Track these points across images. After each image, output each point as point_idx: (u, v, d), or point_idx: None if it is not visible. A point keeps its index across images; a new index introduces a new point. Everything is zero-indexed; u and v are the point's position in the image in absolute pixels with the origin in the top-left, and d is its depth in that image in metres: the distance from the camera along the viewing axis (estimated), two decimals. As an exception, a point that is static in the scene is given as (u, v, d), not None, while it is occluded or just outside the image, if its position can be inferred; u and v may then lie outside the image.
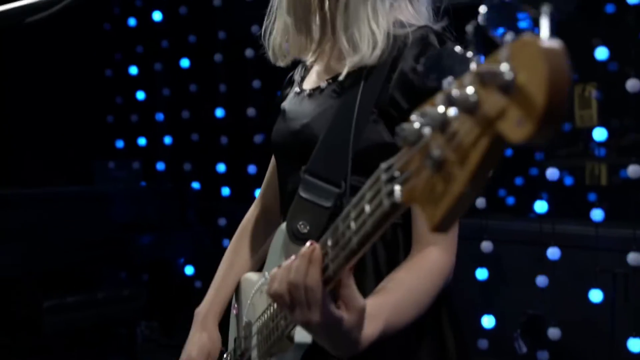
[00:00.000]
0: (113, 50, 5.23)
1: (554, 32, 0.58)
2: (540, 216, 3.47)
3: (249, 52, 4.25)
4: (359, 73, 1.29)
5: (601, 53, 3.20)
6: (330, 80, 1.35)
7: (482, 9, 0.63)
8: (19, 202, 4.13)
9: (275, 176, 1.56)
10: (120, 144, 5.30)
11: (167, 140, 4.98)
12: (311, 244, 1.00)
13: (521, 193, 4.42)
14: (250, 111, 4.33)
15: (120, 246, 4.39)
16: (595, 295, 3.17)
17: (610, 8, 3.46)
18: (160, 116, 5.04)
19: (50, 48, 4.79)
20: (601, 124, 3.46)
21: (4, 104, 4.93)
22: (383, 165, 0.82)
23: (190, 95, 4.81)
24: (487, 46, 0.64)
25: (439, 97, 0.68)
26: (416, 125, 0.70)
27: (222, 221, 4.47)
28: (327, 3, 1.38)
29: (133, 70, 5.13)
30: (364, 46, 1.27)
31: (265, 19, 1.43)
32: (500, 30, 0.62)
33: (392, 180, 0.78)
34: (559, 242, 3.28)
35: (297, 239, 1.27)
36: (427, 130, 0.69)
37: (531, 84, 0.56)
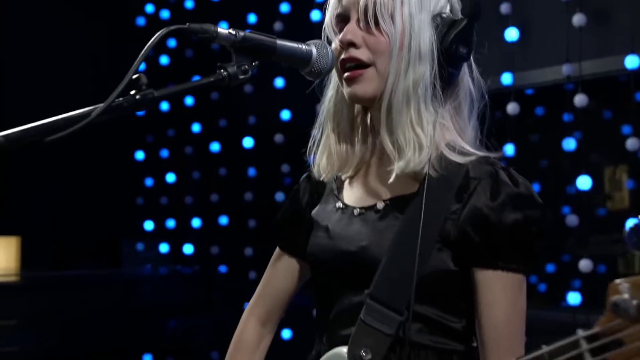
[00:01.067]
0: (145, 133, 5.31)
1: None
2: (574, 308, 3.38)
3: (278, 138, 4.30)
4: (419, 198, 1.29)
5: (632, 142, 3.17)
6: (389, 201, 1.34)
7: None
8: (48, 285, 4.16)
9: (277, 285, 1.56)
10: (149, 225, 5.32)
11: (196, 222, 4.99)
12: None
13: (553, 281, 4.33)
14: (279, 195, 4.34)
15: (147, 330, 4.36)
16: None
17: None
18: (189, 199, 5.07)
19: (83, 130, 4.87)
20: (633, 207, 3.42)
21: (36, 187, 5.00)
22: (582, 334, 0.83)
23: (219, 178, 4.84)
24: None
25: None
26: (632, 297, 0.73)
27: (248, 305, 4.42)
28: (369, 115, 1.41)
29: (164, 153, 5.20)
30: (409, 150, 1.28)
31: (311, 136, 1.45)
32: None
33: (602, 350, 0.79)
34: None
35: None
36: None
37: None
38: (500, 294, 1.24)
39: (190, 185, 5.05)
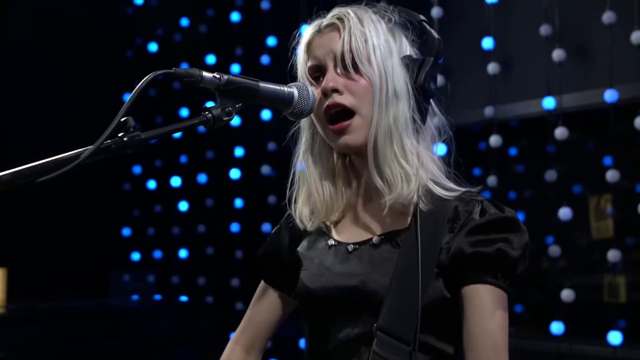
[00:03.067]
0: (132, 164, 5.35)
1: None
2: (558, 337, 3.42)
3: (264, 169, 4.34)
4: (412, 231, 1.36)
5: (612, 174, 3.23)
6: (383, 236, 1.40)
7: None
8: (35, 317, 4.15)
9: (261, 315, 1.60)
10: (136, 256, 5.34)
11: (183, 253, 5.01)
12: None
13: (538, 310, 4.36)
14: (265, 226, 4.37)
15: (133, 361, 4.36)
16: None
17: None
18: (176, 230, 5.10)
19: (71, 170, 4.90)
20: (617, 236, 3.48)
21: (22, 218, 5.01)
22: None
23: (206, 209, 4.88)
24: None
25: None
26: None
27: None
28: (347, 159, 1.48)
29: (151, 184, 5.23)
30: (398, 183, 1.35)
31: (288, 189, 1.50)
32: None
33: None
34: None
35: None
36: None
37: None
38: (490, 306, 1.29)
39: (177, 216, 5.08)
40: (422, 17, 1.47)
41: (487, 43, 3.67)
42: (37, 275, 5.04)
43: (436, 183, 1.40)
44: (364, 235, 1.43)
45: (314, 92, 1.37)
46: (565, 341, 3.34)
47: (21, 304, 4.40)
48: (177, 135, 5.00)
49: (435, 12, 3.70)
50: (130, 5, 5.28)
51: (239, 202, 4.65)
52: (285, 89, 1.30)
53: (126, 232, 5.31)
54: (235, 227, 4.62)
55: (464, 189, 1.40)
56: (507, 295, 1.32)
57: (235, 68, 4.60)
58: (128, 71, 4.90)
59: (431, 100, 1.44)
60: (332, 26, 1.41)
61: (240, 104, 1.19)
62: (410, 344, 1.30)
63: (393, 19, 1.44)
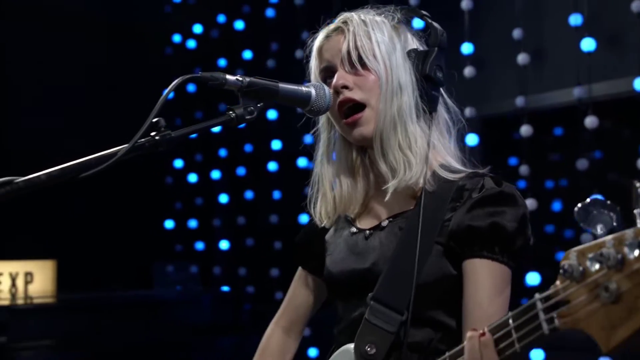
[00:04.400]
0: (174, 159, 5.50)
1: None
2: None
3: (301, 162, 4.44)
4: (416, 212, 1.44)
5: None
6: (391, 218, 1.50)
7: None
8: (83, 307, 4.31)
9: (299, 299, 1.72)
10: (179, 248, 5.49)
11: (224, 245, 5.14)
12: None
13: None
14: (302, 217, 4.47)
15: (177, 349, 4.49)
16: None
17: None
18: (217, 222, 5.23)
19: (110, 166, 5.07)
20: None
21: (71, 213, 5.19)
22: (538, 296, 0.97)
23: (245, 201, 5.00)
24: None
25: (609, 241, 0.84)
26: (578, 263, 0.87)
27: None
28: (366, 152, 1.56)
29: (192, 177, 5.37)
30: (400, 169, 1.44)
31: (309, 190, 1.62)
32: None
33: (553, 308, 0.93)
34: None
35: (364, 359, 1.40)
36: (596, 267, 0.85)
37: None
38: (486, 278, 1.36)
39: (218, 208, 5.21)
40: (423, 12, 1.56)
41: (518, 34, 3.71)
42: (85, 267, 5.23)
43: (444, 167, 1.48)
44: (377, 221, 1.53)
45: (330, 90, 1.46)
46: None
47: (70, 295, 4.58)
48: (217, 130, 5.14)
49: (465, 4, 3.75)
50: (169, 4, 5.41)
51: (277, 194, 4.76)
52: (303, 88, 1.40)
53: (169, 224, 5.46)
54: (273, 219, 4.73)
55: (470, 170, 1.48)
56: (508, 269, 1.38)
57: (271, 63, 4.71)
58: (168, 68, 5.03)
59: (441, 89, 1.52)
60: (337, 30, 1.52)
61: (261, 104, 1.30)
62: (403, 314, 1.39)
63: (396, 18, 1.54)
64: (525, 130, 3.60)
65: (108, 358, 4.15)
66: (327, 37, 1.54)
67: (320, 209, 1.59)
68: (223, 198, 5.16)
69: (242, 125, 4.33)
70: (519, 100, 3.70)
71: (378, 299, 1.42)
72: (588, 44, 3.44)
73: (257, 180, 4.94)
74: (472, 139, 3.74)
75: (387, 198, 1.48)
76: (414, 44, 1.54)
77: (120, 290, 4.94)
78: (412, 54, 1.50)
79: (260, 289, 4.93)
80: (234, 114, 1.26)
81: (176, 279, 5.21)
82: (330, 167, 1.59)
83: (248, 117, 1.27)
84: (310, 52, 1.59)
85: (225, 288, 5.10)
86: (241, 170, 5.00)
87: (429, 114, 1.48)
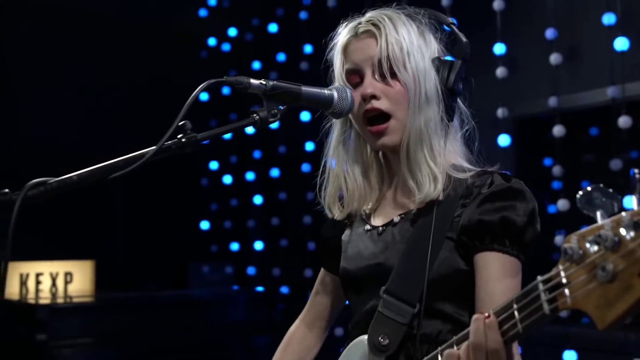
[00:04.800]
0: (208, 160, 5.57)
1: None
2: (626, 325, 3.42)
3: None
4: (428, 208, 1.48)
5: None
6: (403, 215, 1.53)
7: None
8: (121, 306, 4.40)
9: (322, 296, 1.77)
10: (214, 248, 5.56)
11: (258, 245, 5.20)
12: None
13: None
14: (336, 218, 4.50)
15: (212, 348, 4.55)
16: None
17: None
18: (251, 223, 5.29)
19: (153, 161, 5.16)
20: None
21: (109, 214, 5.30)
22: (540, 278, 1.01)
23: (279, 202, 5.05)
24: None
25: (607, 224, 0.89)
26: (578, 246, 0.91)
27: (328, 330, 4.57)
28: (381, 154, 1.60)
29: (227, 179, 5.44)
30: (427, 183, 1.47)
31: (319, 176, 1.65)
32: None
33: (554, 288, 0.97)
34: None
35: (377, 350, 1.44)
36: (595, 249, 0.90)
37: None
38: (497, 271, 1.39)
39: (253, 209, 5.27)
40: (450, 19, 1.58)
41: (551, 33, 3.70)
42: (122, 267, 5.34)
43: (455, 167, 1.51)
44: (390, 217, 1.57)
45: (352, 94, 1.49)
46: (634, 331, 3.34)
47: (108, 294, 4.67)
48: (251, 132, 5.20)
49: (497, 4, 3.75)
50: (204, 7, 5.50)
51: (310, 195, 4.79)
52: (326, 91, 1.44)
53: (204, 225, 5.54)
54: (307, 219, 4.77)
55: (479, 169, 1.52)
56: (518, 262, 1.41)
57: (304, 65, 4.75)
58: (203, 71, 5.11)
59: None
60: (368, 32, 1.53)
61: (284, 106, 1.34)
62: (415, 306, 1.42)
63: (423, 21, 1.56)
64: (558, 130, 3.58)
65: (145, 356, 4.22)
66: (356, 36, 1.55)
67: (331, 200, 1.63)
68: (257, 199, 5.22)
69: (275, 127, 4.37)
70: (552, 101, 3.69)
71: (391, 292, 1.46)
72: (621, 44, 3.42)
73: (291, 182, 4.98)
74: (504, 140, 3.74)
75: (404, 199, 1.53)
76: (436, 49, 1.56)
77: (157, 290, 5.02)
78: (436, 63, 1.52)
79: (294, 289, 4.98)
80: (257, 117, 1.30)
81: (211, 279, 5.28)
82: (344, 160, 1.62)
83: (271, 119, 1.31)
84: (334, 45, 1.60)
85: (260, 288, 5.15)
86: (275, 172, 5.05)
87: (447, 124, 1.51)
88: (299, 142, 4.84)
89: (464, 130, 1.60)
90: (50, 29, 5.06)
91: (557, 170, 3.63)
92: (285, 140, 5.05)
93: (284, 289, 5.05)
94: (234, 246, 5.41)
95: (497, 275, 1.39)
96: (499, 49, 3.80)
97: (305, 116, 4.71)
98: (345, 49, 1.57)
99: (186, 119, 1.18)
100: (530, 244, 1.42)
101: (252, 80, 1.29)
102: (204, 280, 5.23)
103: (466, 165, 1.53)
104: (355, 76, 1.55)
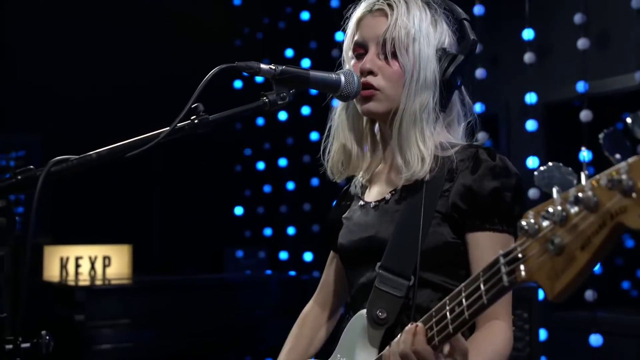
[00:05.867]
0: (243, 147, 5.67)
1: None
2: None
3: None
4: (418, 185, 1.54)
5: None
6: (393, 192, 1.60)
7: (601, 136, 0.88)
8: (158, 289, 4.52)
9: (332, 277, 1.84)
10: (248, 233, 5.66)
11: (291, 230, 5.29)
12: (413, 324, 1.26)
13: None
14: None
15: (246, 331, 4.65)
16: None
17: None
18: (284, 208, 5.38)
19: (189, 147, 5.28)
20: None
21: (146, 200, 5.44)
22: (501, 252, 1.07)
23: (311, 188, 5.12)
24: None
25: (557, 199, 0.95)
26: (534, 221, 0.98)
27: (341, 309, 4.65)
28: (377, 128, 1.65)
29: (260, 165, 5.53)
30: (414, 163, 1.53)
31: (324, 140, 1.71)
32: (617, 154, 0.88)
33: (512, 262, 1.04)
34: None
35: (376, 323, 1.51)
36: (546, 224, 0.96)
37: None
38: (489, 251, 1.45)
39: (285, 195, 5.36)
40: (464, 15, 1.63)
41: (579, 18, 3.70)
42: (159, 252, 5.47)
43: (442, 146, 1.57)
44: (382, 194, 1.63)
45: (359, 76, 1.55)
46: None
47: (145, 277, 4.80)
48: (284, 118, 5.28)
49: (526, -9, 3.76)
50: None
51: (342, 182, 4.84)
52: (333, 75, 1.50)
53: (238, 211, 5.64)
54: (338, 205, 4.82)
55: (465, 143, 1.58)
56: (509, 235, 1.48)
57: (335, 53, 4.80)
58: (237, 60, 5.19)
59: (462, 88, 1.62)
60: (381, 11, 1.59)
61: (293, 90, 1.41)
62: (410, 279, 1.49)
63: (439, 10, 1.61)
64: (585, 115, 3.59)
65: (181, 337, 4.34)
66: (370, 12, 1.61)
67: (333, 163, 1.70)
68: (290, 185, 5.30)
69: (307, 114, 4.42)
70: (581, 85, 3.69)
71: (386, 267, 1.52)
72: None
73: (322, 168, 5.03)
74: (531, 125, 3.76)
75: (394, 176, 1.60)
76: (446, 40, 1.60)
77: (193, 274, 5.14)
78: (440, 53, 1.57)
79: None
80: (267, 99, 1.38)
81: (246, 263, 5.39)
82: (343, 127, 1.69)
83: (280, 102, 1.38)
84: (350, 17, 1.66)
85: (292, 272, 5.24)
86: (307, 158, 5.12)
87: (438, 113, 1.57)
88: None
89: (465, 122, 1.65)
90: (91, 23, 5.19)
91: (587, 155, 3.63)
92: (317, 126, 5.11)
93: (316, 274, 5.12)
94: (267, 231, 5.50)
95: (489, 253, 1.44)
96: (528, 34, 3.81)
97: (337, 103, 4.76)
98: (359, 22, 1.63)
99: (199, 102, 1.25)
100: (518, 218, 1.47)
101: (262, 65, 1.36)
102: (239, 264, 5.34)
103: (453, 141, 1.59)
104: (360, 49, 1.62)
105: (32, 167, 1.11)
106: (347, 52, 1.66)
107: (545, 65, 3.93)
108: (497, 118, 4.28)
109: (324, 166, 1.74)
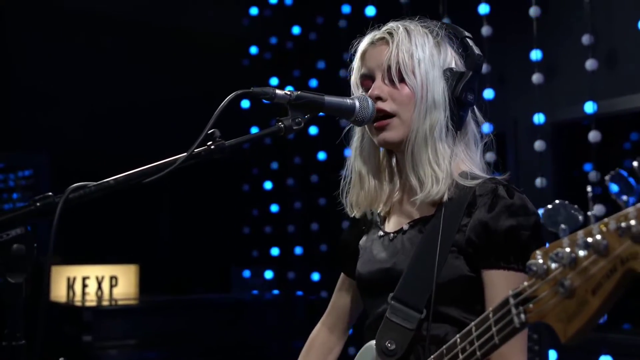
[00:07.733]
0: (250, 166, 5.67)
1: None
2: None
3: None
4: (436, 216, 1.53)
5: None
6: (412, 222, 1.59)
7: (607, 178, 0.89)
8: (164, 309, 4.51)
9: (341, 300, 1.82)
10: (255, 253, 5.65)
11: (298, 250, 5.28)
12: None
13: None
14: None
15: (253, 351, 4.63)
16: None
17: None
18: (291, 228, 5.37)
19: (196, 166, 5.28)
20: None
21: (153, 219, 5.44)
22: (511, 293, 1.07)
23: (319, 208, 5.12)
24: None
25: (565, 241, 0.95)
26: (542, 262, 0.98)
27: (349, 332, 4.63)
28: (394, 158, 1.66)
29: (268, 185, 5.53)
30: (429, 184, 1.52)
31: (342, 180, 1.71)
32: (624, 196, 0.89)
33: (522, 303, 1.03)
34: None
35: (385, 354, 1.50)
36: (555, 266, 0.96)
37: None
38: (504, 290, 1.41)
39: (292, 215, 5.35)
40: (466, 33, 1.64)
41: (587, 39, 3.70)
42: (166, 271, 5.47)
43: (464, 175, 1.56)
44: (401, 224, 1.63)
45: (373, 102, 1.56)
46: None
47: (152, 297, 4.79)
48: (291, 138, 5.28)
49: (533, 11, 3.76)
50: (246, 17, 5.61)
51: (349, 201, 4.84)
52: (348, 100, 1.51)
53: (246, 230, 5.64)
54: (346, 225, 4.80)
55: (487, 177, 1.56)
56: (524, 274, 1.44)
57: (343, 73, 4.82)
58: (245, 79, 5.21)
59: (475, 107, 1.61)
60: (382, 40, 1.61)
61: (308, 115, 1.41)
62: (422, 312, 1.48)
63: (440, 34, 1.61)
64: (593, 135, 3.58)
65: (188, 357, 4.33)
66: (372, 43, 1.63)
67: (351, 199, 1.68)
68: (297, 205, 5.30)
69: (315, 134, 4.44)
70: (589, 106, 3.68)
71: (398, 299, 1.52)
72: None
73: (330, 188, 5.03)
74: (539, 145, 3.76)
75: (412, 206, 1.58)
76: (452, 61, 1.61)
77: (200, 293, 5.13)
78: (447, 74, 1.57)
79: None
80: (282, 125, 1.38)
81: (253, 283, 5.38)
82: (360, 162, 1.68)
83: (295, 127, 1.38)
84: (355, 52, 1.67)
85: (299, 292, 5.22)
86: (314, 178, 5.12)
87: (454, 132, 1.56)
88: (338, 149, 4.89)
89: (483, 142, 1.65)
90: (98, 39, 5.22)
91: (593, 175, 3.62)
92: (325, 146, 5.12)
93: (324, 294, 5.11)
94: (274, 251, 5.50)
95: (504, 292, 1.42)
96: (536, 55, 3.82)
97: (343, 123, 4.76)
98: (363, 55, 1.64)
99: (215, 128, 1.26)
100: None
101: (278, 91, 1.36)
102: (246, 284, 5.33)
103: (476, 173, 1.57)
104: (368, 81, 1.62)
105: (50, 193, 1.11)
106: (355, 87, 1.66)
107: (553, 86, 3.94)
108: (505, 138, 4.28)
109: (342, 204, 1.72)
